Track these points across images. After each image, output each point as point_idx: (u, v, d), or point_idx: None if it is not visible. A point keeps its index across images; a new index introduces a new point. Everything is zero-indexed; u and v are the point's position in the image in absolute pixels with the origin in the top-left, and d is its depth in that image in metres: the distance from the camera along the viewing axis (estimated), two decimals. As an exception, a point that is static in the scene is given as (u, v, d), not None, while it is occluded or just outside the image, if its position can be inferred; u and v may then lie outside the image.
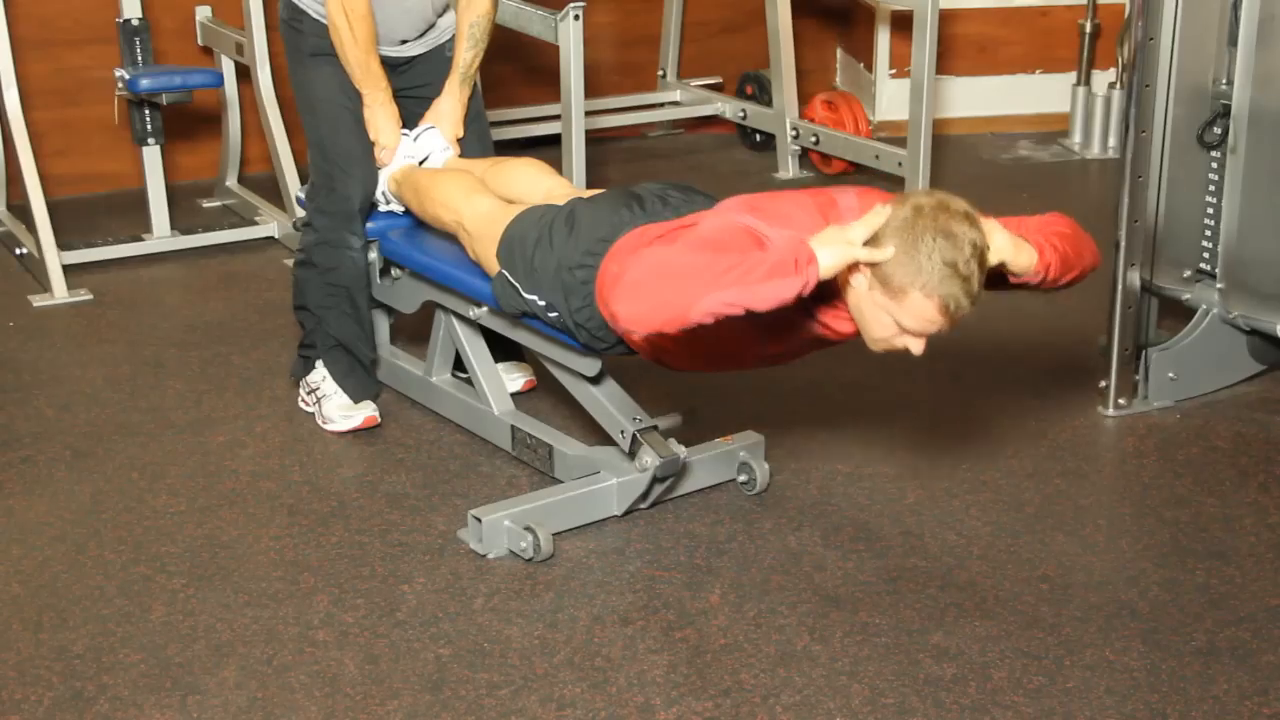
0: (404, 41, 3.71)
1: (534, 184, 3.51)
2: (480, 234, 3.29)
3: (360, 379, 3.75)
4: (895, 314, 2.62)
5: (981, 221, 2.66)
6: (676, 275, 2.54)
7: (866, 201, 2.77)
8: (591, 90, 4.86)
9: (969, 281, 2.57)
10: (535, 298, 3.13)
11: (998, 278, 2.80)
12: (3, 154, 5.12)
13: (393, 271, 3.76)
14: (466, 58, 3.69)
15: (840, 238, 2.57)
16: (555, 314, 3.12)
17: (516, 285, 3.16)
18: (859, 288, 2.66)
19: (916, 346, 2.66)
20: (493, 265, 3.24)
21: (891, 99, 6.23)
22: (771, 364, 3.08)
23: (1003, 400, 3.92)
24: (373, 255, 3.74)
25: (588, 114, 4.68)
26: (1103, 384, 3.84)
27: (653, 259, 2.59)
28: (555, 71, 4.59)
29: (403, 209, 3.72)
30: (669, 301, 2.54)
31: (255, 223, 5.15)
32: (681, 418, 3.35)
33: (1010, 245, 2.73)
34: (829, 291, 2.74)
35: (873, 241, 2.58)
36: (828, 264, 2.55)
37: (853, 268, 2.64)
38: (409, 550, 3.23)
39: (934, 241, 2.55)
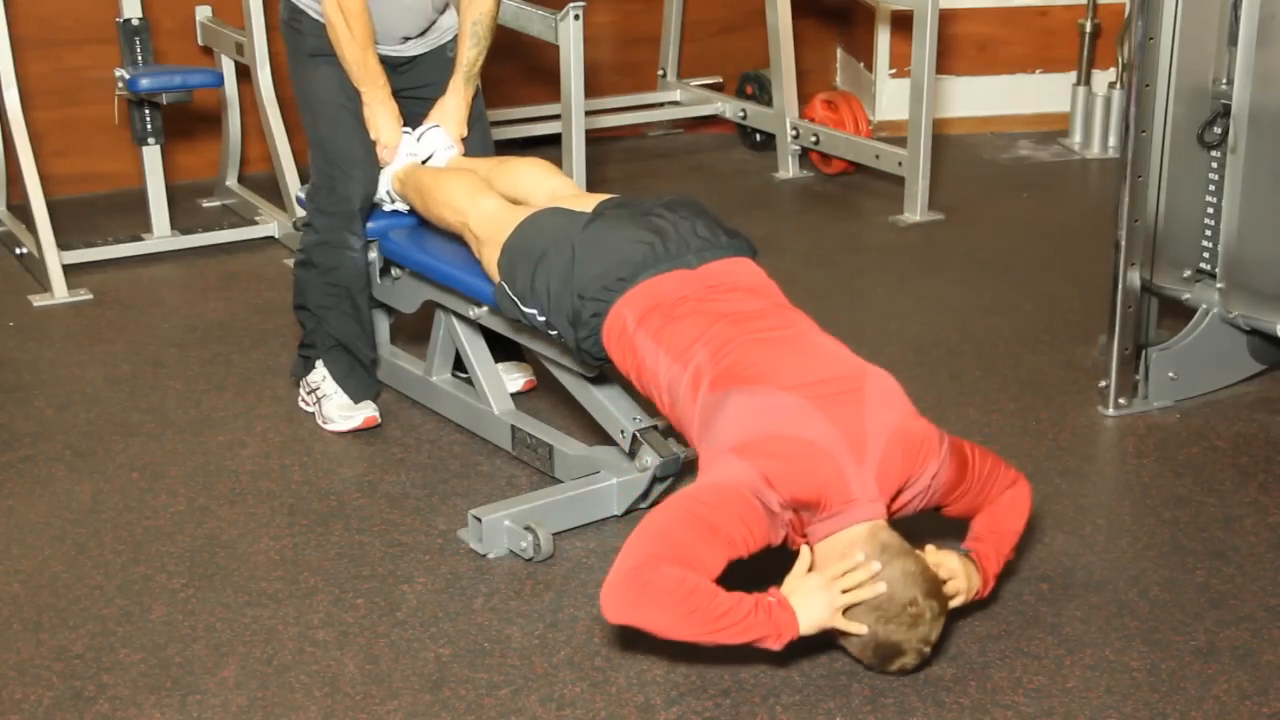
0: (405, 40, 3.71)
1: (538, 184, 3.50)
2: (486, 237, 3.29)
3: (360, 379, 3.75)
4: (850, 642, 2.71)
5: (948, 580, 2.77)
6: (663, 607, 2.56)
7: (897, 426, 2.72)
8: (591, 90, 4.86)
9: (921, 655, 2.71)
10: (534, 312, 3.13)
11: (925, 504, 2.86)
12: (3, 154, 5.12)
13: (393, 271, 3.76)
14: (470, 56, 3.69)
15: (824, 603, 2.63)
16: (555, 332, 3.12)
17: (514, 299, 3.15)
18: (838, 631, 2.70)
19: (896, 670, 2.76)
20: (495, 272, 3.23)
21: (891, 99, 6.23)
22: None
23: (1003, 400, 3.91)
24: (373, 255, 3.74)
25: (588, 114, 4.68)
26: (1103, 384, 3.84)
27: (658, 585, 2.56)
28: (555, 71, 4.59)
29: (407, 208, 3.72)
30: (655, 622, 2.58)
31: (255, 223, 5.15)
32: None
33: (966, 583, 2.82)
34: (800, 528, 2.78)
35: (848, 611, 2.66)
36: (808, 630, 2.65)
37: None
38: (409, 550, 3.23)
39: (908, 632, 2.66)
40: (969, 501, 2.86)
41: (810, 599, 2.64)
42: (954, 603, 2.78)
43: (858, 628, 2.65)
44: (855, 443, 2.67)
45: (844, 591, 2.64)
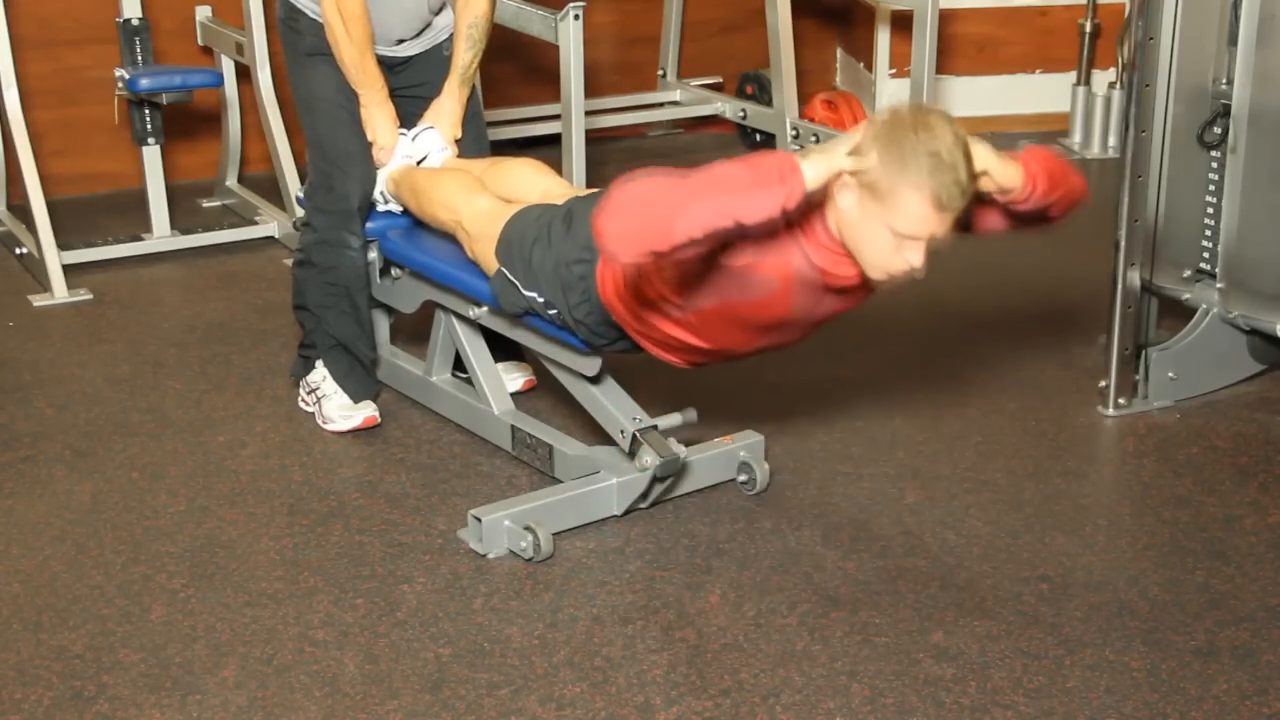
0: (400, 41, 3.71)
1: (532, 184, 3.51)
2: (479, 233, 3.30)
3: (360, 379, 3.75)
4: (889, 220, 2.58)
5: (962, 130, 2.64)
6: (661, 191, 2.51)
7: None
8: (591, 90, 4.86)
9: (956, 169, 2.55)
10: (534, 295, 3.13)
11: (990, 210, 2.77)
12: (3, 154, 5.12)
13: (393, 271, 3.76)
14: (465, 58, 3.69)
15: (824, 152, 2.57)
16: (554, 311, 3.12)
17: (515, 283, 3.16)
18: (848, 207, 2.62)
19: (917, 257, 2.61)
20: (491, 264, 3.24)
21: (891, 99, 6.22)
22: (775, 347, 3.04)
23: (1003, 400, 3.91)
24: (372, 255, 3.74)
25: (588, 114, 4.68)
26: (1103, 384, 3.84)
27: (638, 182, 2.54)
28: (555, 71, 4.59)
29: (400, 209, 3.72)
30: (653, 217, 2.50)
31: (255, 222, 5.15)
32: (682, 418, 3.35)
33: (994, 157, 2.71)
34: (822, 235, 2.70)
35: (855, 152, 2.57)
36: (812, 174, 2.54)
37: (840, 190, 2.62)
38: (409, 550, 3.23)
39: (916, 136, 2.54)
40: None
41: (811, 153, 2.57)
42: (982, 173, 2.65)
43: (866, 159, 2.52)
44: None
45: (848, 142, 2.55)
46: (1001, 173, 2.72)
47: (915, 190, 2.55)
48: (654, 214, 2.51)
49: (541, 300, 3.13)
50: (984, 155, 2.69)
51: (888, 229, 2.59)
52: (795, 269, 2.73)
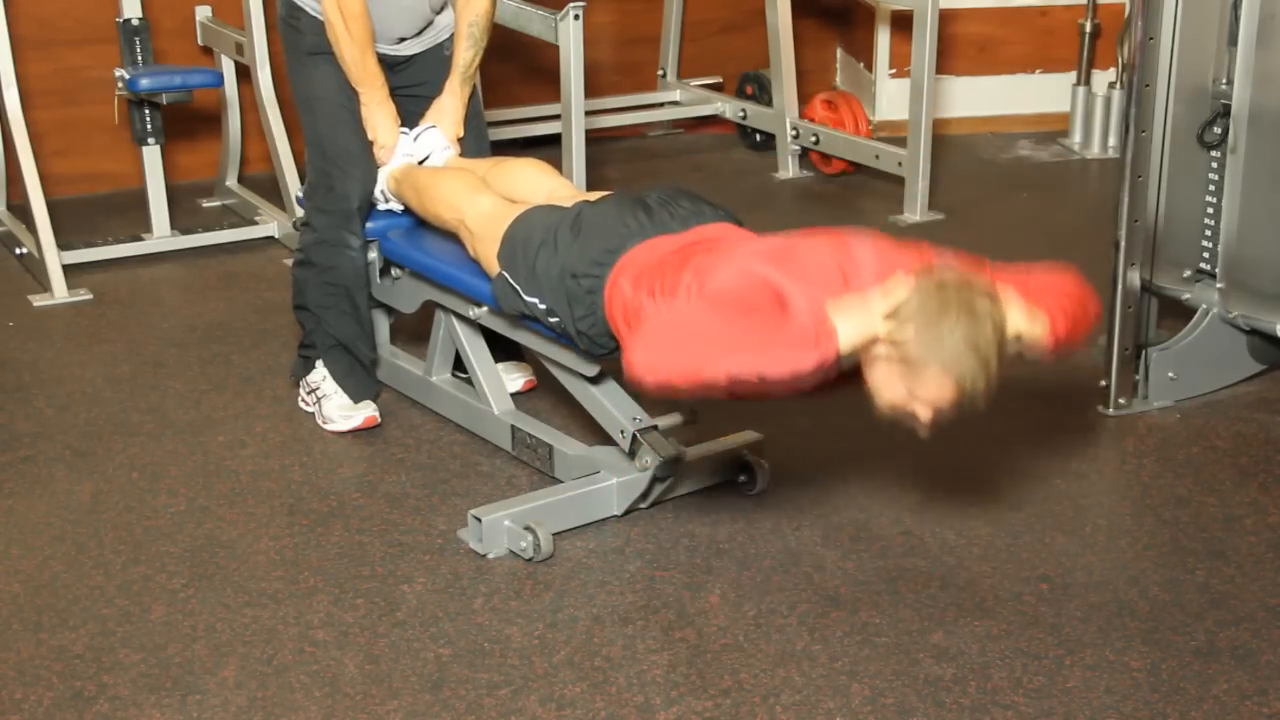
0: (401, 40, 3.71)
1: (536, 184, 3.51)
2: (482, 233, 3.29)
3: (360, 379, 3.75)
4: (910, 385, 2.59)
5: (1000, 296, 2.64)
6: (697, 335, 2.52)
7: (884, 256, 2.72)
8: (591, 90, 4.86)
9: (988, 363, 2.56)
10: (536, 300, 3.13)
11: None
12: (3, 154, 5.12)
13: (393, 271, 3.76)
14: (466, 57, 3.69)
15: (861, 310, 2.55)
16: (556, 319, 3.12)
17: (517, 287, 3.16)
18: (876, 354, 2.62)
19: (925, 415, 2.62)
20: (493, 265, 3.24)
21: (891, 99, 6.23)
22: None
23: (1003, 400, 3.89)
24: (372, 255, 3.74)
25: (588, 114, 4.68)
26: (1103, 384, 3.84)
27: (675, 313, 2.56)
28: (555, 71, 4.59)
29: (402, 208, 3.72)
30: (686, 360, 2.52)
31: (255, 223, 5.15)
32: (682, 418, 3.35)
33: (1025, 317, 2.70)
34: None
35: (893, 315, 2.56)
36: (848, 337, 2.54)
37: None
38: (409, 550, 3.23)
39: (956, 319, 2.53)
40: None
41: (846, 305, 2.56)
42: (1010, 331, 2.63)
43: (903, 332, 2.51)
44: (846, 259, 2.68)
45: (886, 297, 2.54)
46: (1030, 332, 2.70)
47: (944, 372, 2.55)
48: (687, 357, 2.52)
49: (543, 307, 3.13)
50: (1016, 319, 2.67)
51: (906, 387, 2.60)
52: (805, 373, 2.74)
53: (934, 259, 2.72)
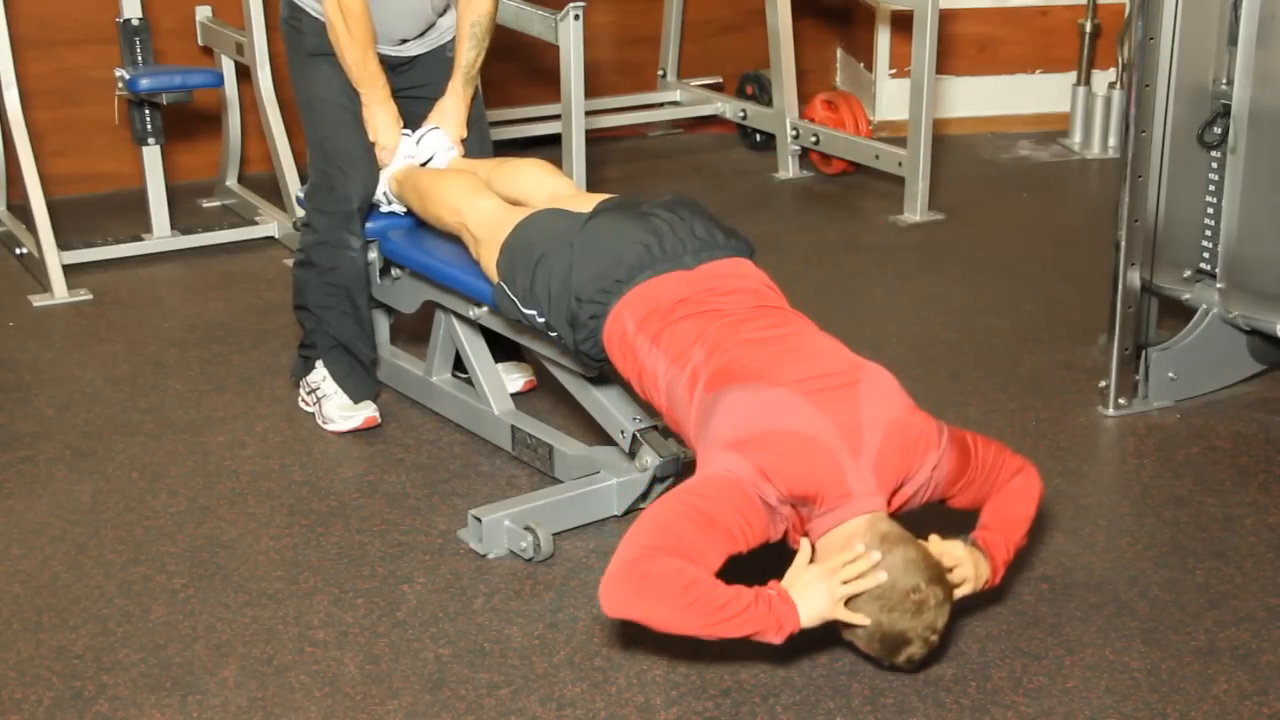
0: (404, 41, 3.71)
1: (538, 184, 3.50)
2: (484, 237, 3.29)
3: (360, 379, 3.75)
4: (862, 625, 2.66)
5: (953, 568, 2.73)
6: (664, 600, 2.55)
7: (887, 447, 2.70)
8: (591, 90, 4.86)
9: (932, 641, 2.67)
10: (534, 314, 3.12)
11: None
12: (3, 154, 5.12)
13: (393, 271, 3.76)
14: (469, 58, 3.69)
15: (824, 595, 2.61)
16: (555, 334, 3.11)
17: (515, 299, 3.15)
18: (839, 623, 2.69)
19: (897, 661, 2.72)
20: (493, 273, 3.23)
21: (891, 99, 6.23)
22: None
23: (1003, 400, 3.91)
24: (372, 255, 3.74)
25: (588, 114, 4.68)
26: (1103, 384, 3.84)
27: (650, 573, 2.56)
28: (555, 71, 4.59)
29: (404, 209, 3.72)
30: (651, 611, 2.57)
31: (255, 223, 5.15)
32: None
33: (973, 571, 2.78)
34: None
35: (850, 603, 2.63)
36: (809, 623, 2.63)
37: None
38: (409, 550, 3.23)
39: (914, 620, 2.62)
40: (974, 492, 2.85)
41: (810, 590, 2.63)
42: (960, 591, 2.75)
43: (860, 618, 2.63)
44: (851, 437, 2.67)
45: (844, 582, 2.62)
46: (978, 581, 2.79)
47: (892, 651, 2.66)
48: (656, 613, 2.57)
49: (542, 321, 3.12)
50: (966, 577, 2.76)
51: (851, 627, 2.68)
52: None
53: (933, 445, 2.74)
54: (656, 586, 2.55)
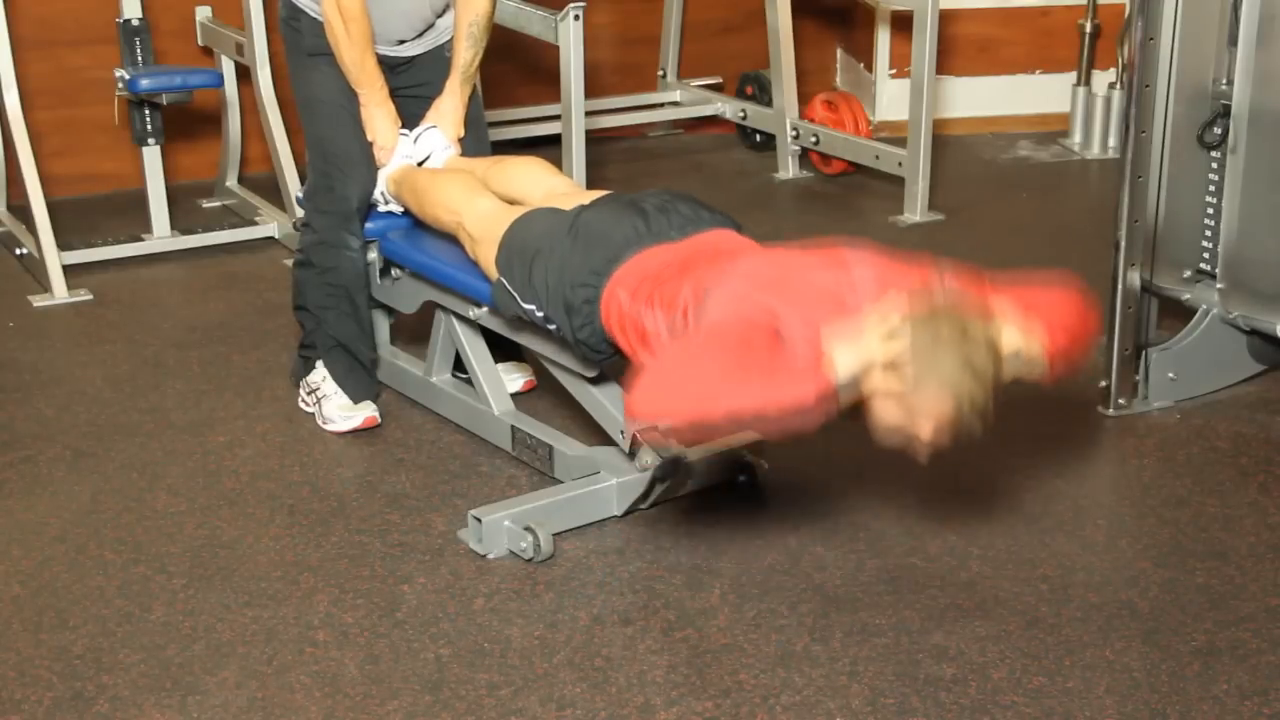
0: (402, 41, 3.71)
1: (535, 183, 3.50)
2: (481, 235, 3.29)
3: (360, 379, 3.75)
4: (909, 409, 2.58)
5: (995, 314, 2.64)
6: (694, 376, 2.52)
7: (882, 274, 2.71)
8: (591, 90, 4.86)
9: (983, 379, 2.56)
10: (533, 308, 3.13)
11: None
12: (3, 154, 5.12)
13: (393, 271, 3.76)
14: (466, 58, 3.69)
15: (856, 337, 2.55)
16: (554, 326, 3.12)
17: (514, 294, 3.16)
18: (873, 382, 2.61)
19: (926, 433, 2.61)
20: (492, 270, 3.23)
21: (891, 99, 6.23)
22: None
23: (1003, 400, 3.90)
24: (372, 255, 3.74)
25: (588, 114, 4.68)
26: (1103, 384, 3.84)
27: (671, 355, 2.57)
28: (555, 71, 4.59)
29: (401, 209, 3.72)
30: (685, 403, 2.53)
31: (255, 223, 5.15)
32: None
33: (1021, 334, 2.69)
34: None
35: (888, 339, 2.55)
36: (845, 366, 2.54)
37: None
38: (409, 550, 3.23)
39: (951, 342, 2.53)
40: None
41: (842, 334, 2.56)
42: (1006, 348, 2.63)
43: (901, 347, 2.51)
44: (843, 278, 2.68)
45: (880, 324, 2.54)
46: (1027, 350, 2.70)
47: (941, 395, 2.55)
48: (684, 397, 2.52)
49: (541, 315, 3.12)
50: (1011, 336, 2.67)
51: (906, 412, 2.59)
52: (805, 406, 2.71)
53: (931, 276, 2.70)
54: (677, 373, 2.53)
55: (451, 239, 3.50)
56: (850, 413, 2.69)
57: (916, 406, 2.56)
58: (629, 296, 2.94)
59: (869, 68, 6.38)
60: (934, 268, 2.75)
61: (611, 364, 3.26)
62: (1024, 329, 2.69)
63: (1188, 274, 3.86)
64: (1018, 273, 2.86)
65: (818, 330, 2.58)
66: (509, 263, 3.17)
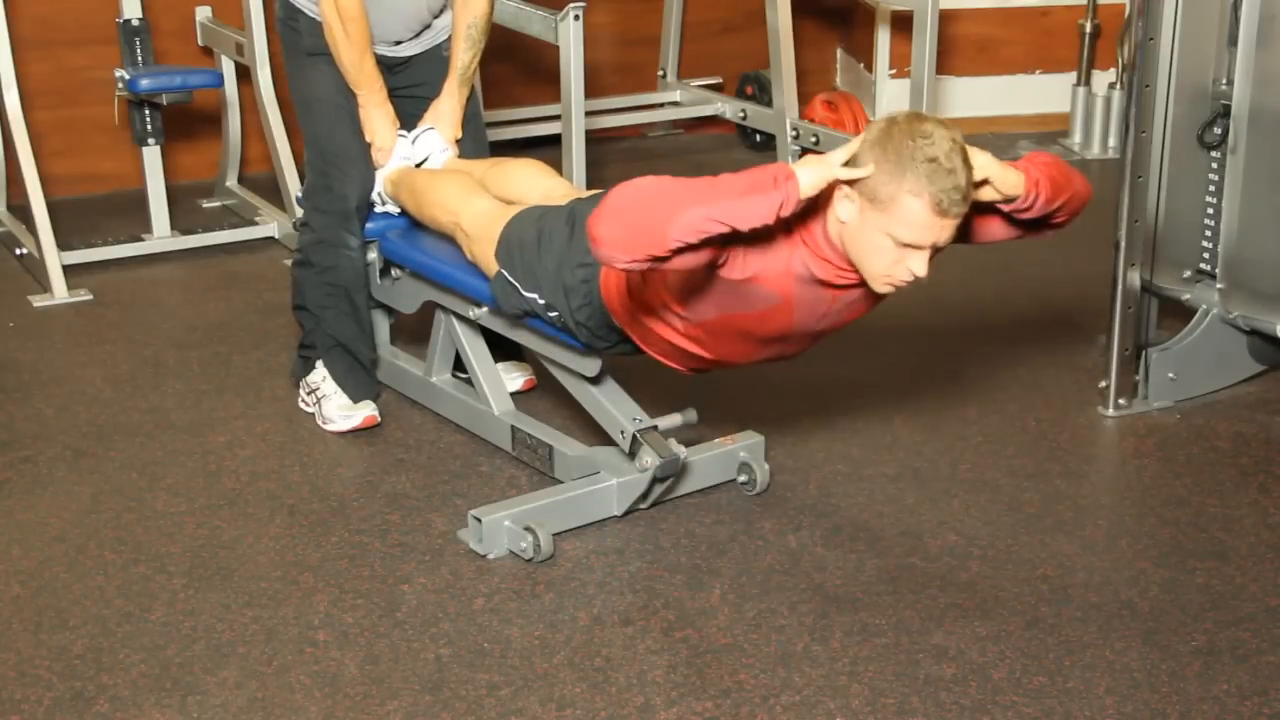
0: (398, 42, 3.71)
1: (532, 184, 3.51)
2: (478, 235, 3.29)
3: (360, 379, 3.75)
4: (890, 228, 2.56)
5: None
6: (654, 195, 2.50)
7: None
8: (591, 90, 4.86)
9: (955, 174, 2.53)
10: (535, 296, 3.13)
11: (992, 218, 2.76)
12: (3, 154, 5.12)
13: (392, 271, 3.76)
14: (464, 59, 3.69)
15: (819, 161, 2.56)
16: (555, 313, 3.12)
17: (515, 284, 3.16)
18: (849, 218, 2.61)
19: (920, 265, 2.59)
20: (491, 266, 3.24)
21: (891, 99, 6.22)
22: (777, 358, 3.03)
23: (1003, 400, 3.91)
24: (372, 255, 3.75)
25: (588, 114, 4.68)
26: (1103, 384, 3.84)
27: (631, 186, 2.54)
28: (555, 71, 4.59)
29: (399, 210, 3.72)
30: (647, 221, 2.50)
31: (255, 223, 5.15)
32: (682, 419, 3.34)
33: (995, 164, 2.66)
34: (824, 247, 2.68)
35: (851, 161, 2.56)
36: (807, 181, 2.52)
37: (839, 201, 2.61)
38: (409, 550, 3.23)
39: (913, 143, 2.52)
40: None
41: (806, 160, 2.56)
42: (983, 190, 2.62)
43: (863, 169, 2.52)
44: None
45: (844, 150, 2.55)
46: (1003, 180, 2.67)
47: (915, 197, 2.53)
48: (647, 218, 2.50)
49: (542, 302, 3.13)
50: (984, 163, 2.65)
51: (889, 238, 2.58)
52: (797, 282, 2.73)
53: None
54: (640, 193, 2.50)
55: (450, 239, 3.50)
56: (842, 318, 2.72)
57: (895, 225, 2.55)
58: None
59: (869, 68, 6.38)
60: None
61: (612, 359, 3.26)
62: (997, 161, 2.67)
63: (1188, 274, 3.86)
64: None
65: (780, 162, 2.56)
66: (509, 254, 3.17)
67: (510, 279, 3.17)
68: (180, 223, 5.12)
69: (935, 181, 2.52)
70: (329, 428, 3.75)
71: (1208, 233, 3.81)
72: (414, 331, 4.13)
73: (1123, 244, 3.77)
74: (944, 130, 2.56)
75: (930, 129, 2.54)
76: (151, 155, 5.04)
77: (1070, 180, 2.79)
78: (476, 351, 3.65)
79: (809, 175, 2.53)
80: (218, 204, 5.46)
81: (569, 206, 3.15)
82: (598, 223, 2.55)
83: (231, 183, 5.42)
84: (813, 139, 5.71)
